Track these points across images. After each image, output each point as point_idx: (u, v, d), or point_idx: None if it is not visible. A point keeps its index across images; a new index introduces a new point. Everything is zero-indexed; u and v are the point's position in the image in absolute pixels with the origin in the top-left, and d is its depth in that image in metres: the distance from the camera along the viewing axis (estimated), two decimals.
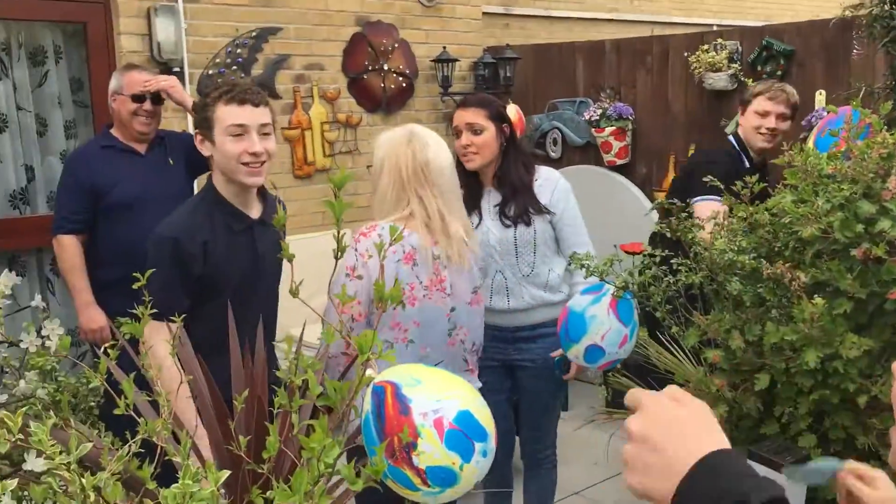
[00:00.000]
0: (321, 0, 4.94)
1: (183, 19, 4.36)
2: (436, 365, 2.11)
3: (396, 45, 5.28)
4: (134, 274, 1.39)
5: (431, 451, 1.21)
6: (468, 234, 2.31)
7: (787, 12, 8.44)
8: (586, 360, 2.41)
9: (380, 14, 5.19)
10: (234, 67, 4.61)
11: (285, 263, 1.36)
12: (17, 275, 1.52)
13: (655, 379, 2.60)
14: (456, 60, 5.38)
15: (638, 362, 2.58)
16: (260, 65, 4.72)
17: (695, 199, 2.99)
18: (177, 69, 4.39)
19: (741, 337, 2.11)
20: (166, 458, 1.25)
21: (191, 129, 4.36)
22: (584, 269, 2.29)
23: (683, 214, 2.30)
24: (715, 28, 6.59)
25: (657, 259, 2.28)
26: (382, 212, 2.24)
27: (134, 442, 1.20)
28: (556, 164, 5.20)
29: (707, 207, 3.38)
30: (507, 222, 2.75)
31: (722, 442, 0.80)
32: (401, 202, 2.22)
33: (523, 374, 2.88)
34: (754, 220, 2.23)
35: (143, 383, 1.35)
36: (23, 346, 1.28)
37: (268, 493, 1.11)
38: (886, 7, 3.44)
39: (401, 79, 5.32)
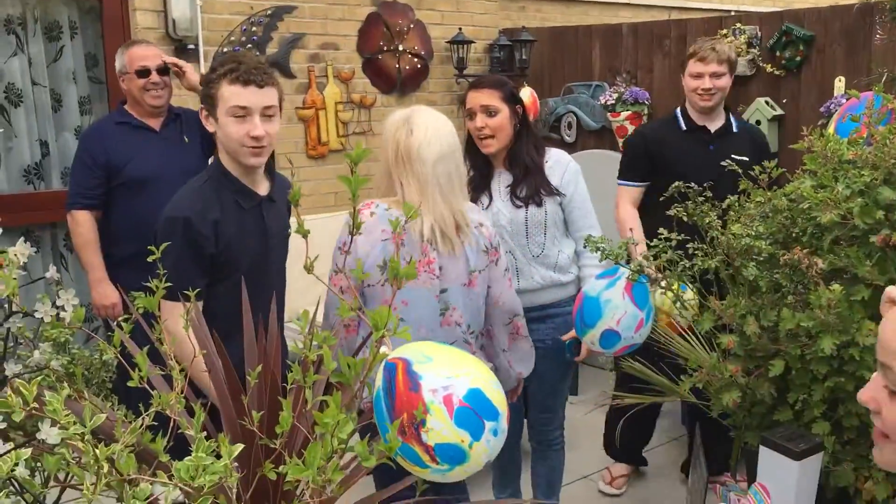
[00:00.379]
0: None
1: None
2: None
3: (412, 26, 5.25)
4: (149, 248, 1.39)
5: (440, 428, 1.21)
6: (462, 221, 2.26)
7: None
8: (602, 345, 2.40)
9: None
10: (249, 46, 4.59)
11: (300, 241, 1.36)
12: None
13: (668, 365, 2.59)
14: (471, 42, 5.34)
15: (651, 347, 2.56)
16: (274, 43, 4.70)
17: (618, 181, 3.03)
18: (191, 46, 4.38)
19: (756, 322, 2.09)
20: (179, 431, 1.25)
21: None
22: (599, 253, 2.27)
23: (700, 199, 2.28)
24: (733, 13, 6.52)
25: (673, 243, 2.26)
26: (379, 192, 2.28)
27: (147, 414, 1.20)
28: (570, 148, 5.17)
29: (621, 192, 3.41)
30: (519, 203, 2.74)
31: None
32: (391, 185, 2.24)
33: (538, 352, 2.87)
34: (772, 206, 2.21)
35: (157, 357, 1.35)
36: (37, 315, 1.28)
37: (280, 468, 1.10)
38: None
39: (416, 60, 5.29)
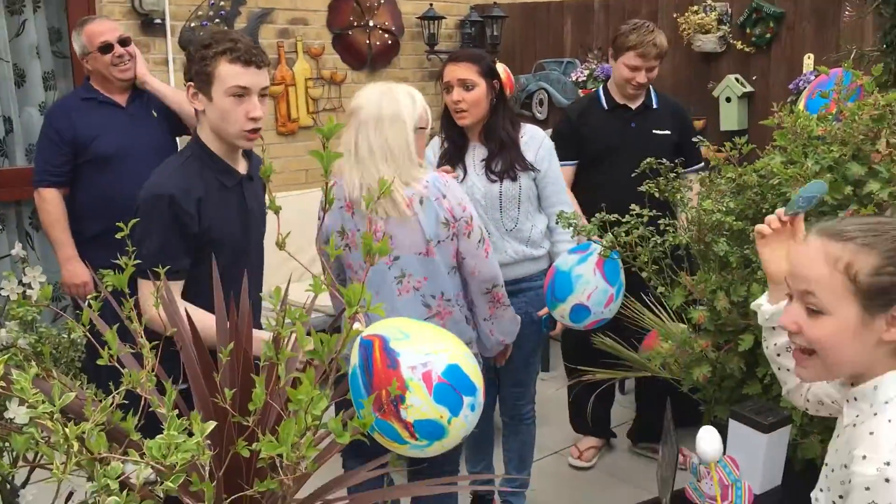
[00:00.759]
0: None
1: None
2: None
3: (382, 2, 5.19)
4: (118, 224, 1.36)
5: (420, 405, 1.21)
6: (388, 190, 2.27)
7: None
8: (572, 320, 2.42)
9: None
10: (217, 21, 4.51)
11: (272, 218, 1.34)
12: None
13: (638, 340, 2.62)
14: (442, 18, 5.30)
15: (621, 323, 2.59)
16: (243, 18, 4.63)
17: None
18: (158, 21, 4.29)
19: (726, 298, 2.12)
20: (150, 409, 1.24)
21: (173, 83, 4.28)
22: (571, 229, 2.28)
23: (672, 175, 2.29)
24: None
25: (644, 219, 2.28)
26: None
27: (118, 393, 1.18)
28: (542, 125, 5.17)
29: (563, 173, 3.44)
30: (493, 177, 2.74)
31: None
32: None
33: None
34: (742, 181, 2.22)
35: (128, 336, 1.33)
36: (3, 293, 1.25)
37: (254, 445, 1.10)
38: None
39: (386, 36, 5.24)
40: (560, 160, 2.92)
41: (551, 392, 3.93)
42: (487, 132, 2.77)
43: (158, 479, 1.10)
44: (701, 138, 2.55)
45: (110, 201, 3.11)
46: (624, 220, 2.29)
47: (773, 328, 1.54)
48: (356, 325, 1.26)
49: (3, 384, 1.01)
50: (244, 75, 2.10)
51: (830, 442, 1.34)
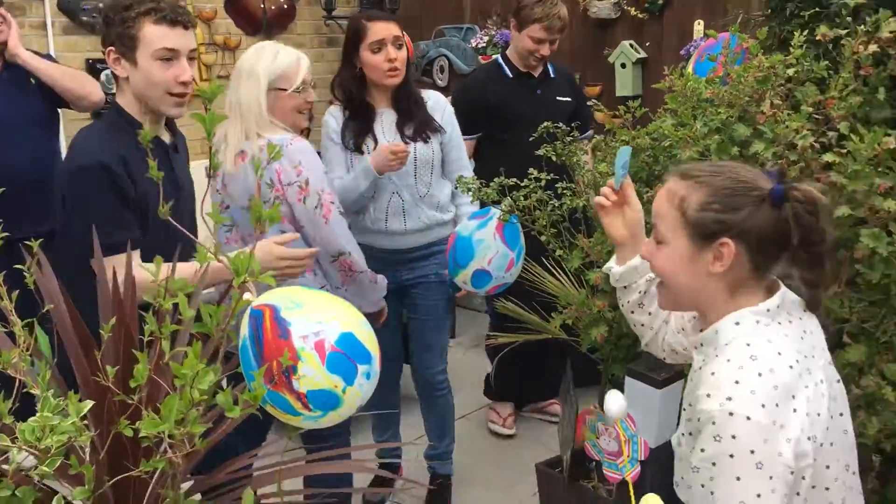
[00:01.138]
0: None
1: None
2: None
3: None
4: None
5: (312, 375, 1.18)
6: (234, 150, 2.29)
7: None
8: (473, 285, 2.42)
9: None
10: None
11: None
12: None
13: (540, 303, 2.65)
14: None
15: (523, 287, 2.61)
16: None
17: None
18: None
19: None
20: (25, 390, 1.16)
21: (52, 51, 4.04)
22: (470, 193, 2.27)
23: (569, 139, 2.31)
24: None
25: (542, 183, 2.29)
26: None
27: None
28: (443, 91, 5.12)
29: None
30: (407, 140, 2.70)
31: None
32: None
33: (417, 290, 2.87)
34: (636, 145, 2.26)
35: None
36: None
37: (137, 423, 1.04)
38: None
39: (281, 0, 5.08)
40: (462, 134, 2.91)
41: (458, 357, 3.95)
42: (399, 95, 2.72)
43: (38, 464, 1.04)
44: (597, 102, 2.58)
45: None
46: (522, 184, 2.30)
47: (625, 287, 1.64)
48: (246, 295, 1.21)
49: None
50: (171, 36, 1.97)
51: (685, 388, 1.42)
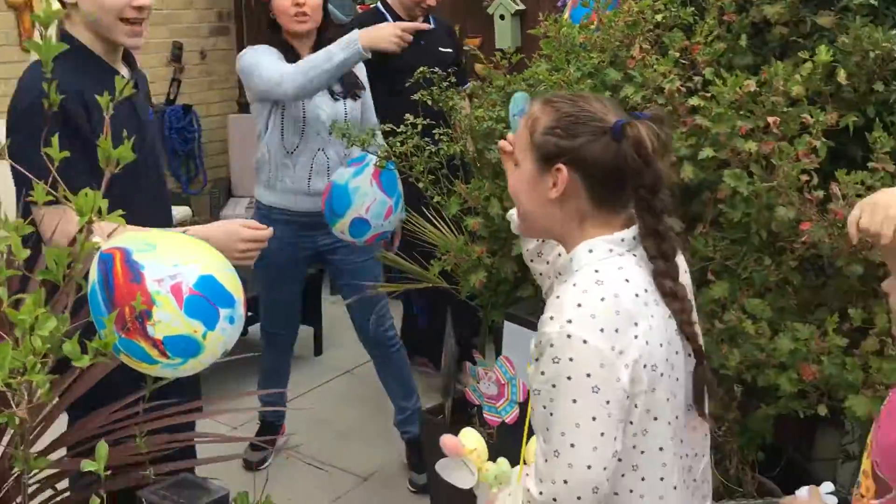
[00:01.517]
0: None
1: None
2: None
3: None
4: None
5: (169, 320, 1.11)
6: None
7: None
8: (352, 234, 2.37)
9: None
10: None
11: None
12: None
13: (421, 253, 2.63)
14: None
15: (404, 237, 2.59)
16: None
17: None
18: None
19: (500, 204, 2.16)
20: None
21: None
22: (344, 139, 2.22)
23: (445, 84, 2.28)
24: None
25: (418, 129, 2.26)
26: None
27: None
28: None
29: None
30: (337, 96, 2.61)
31: None
32: None
33: (338, 256, 2.78)
34: (511, 90, 2.26)
35: None
36: None
37: None
38: None
39: None
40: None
41: (339, 313, 3.90)
42: (320, 46, 2.59)
43: None
44: (475, 50, 2.56)
45: None
46: (399, 129, 2.26)
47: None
48: (95, 238, 1.13)
49: None
50: None
51: None
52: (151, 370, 1.16)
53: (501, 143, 1.57)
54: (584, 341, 1.17)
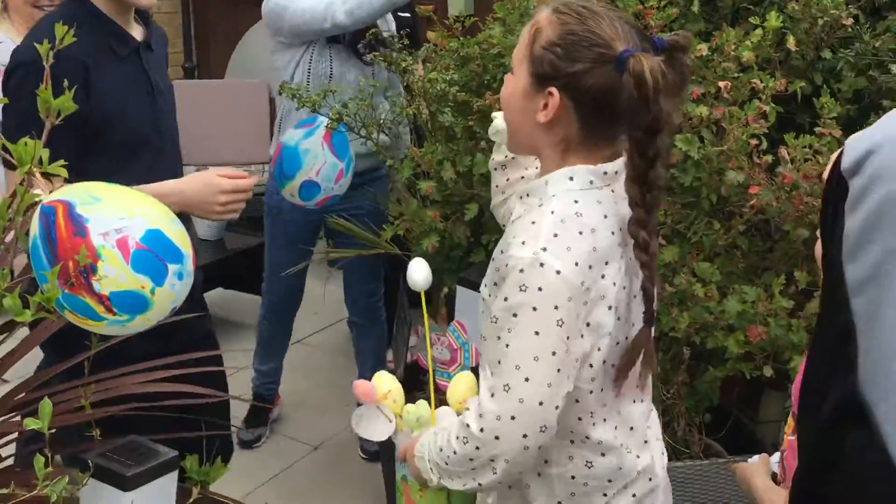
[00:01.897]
0: None
1: None
2: None
3: None
4: None
5: (116, 275, 1.07)
6: None
7: None
8: (302, 198, 2.33)
9: None
10: None
11: None
12: None
13: (371, 219, 2.61)
14: None
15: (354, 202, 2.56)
16: None
17: None
18: None
19: (453, 168, 2.15)
20: None
21: None
22: (295, 100, 2.17)
23: (399, 45, 2.25)
24: None
25: (372, 90, 2.22)
26: None
27: None
28: None
29: None
30: (366, 59, 2.53)
31: None
32: None
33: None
34: (465, 54, 2.24)
35: None
36: None
37: None
38: None
39: None
40: None
41: None
42: None
43: None
44: (430, 13, 2.53)
45: None
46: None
47: (497, 144, 1.49)
48: (35, 191, 1.09)
49: None
50: None
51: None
52: (97, 327, 1.12)
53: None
54: (558, 272, 1.11)
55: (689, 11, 2.13)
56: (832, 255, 0.78)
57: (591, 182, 1.19)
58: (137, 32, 1.80)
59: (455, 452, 1.18)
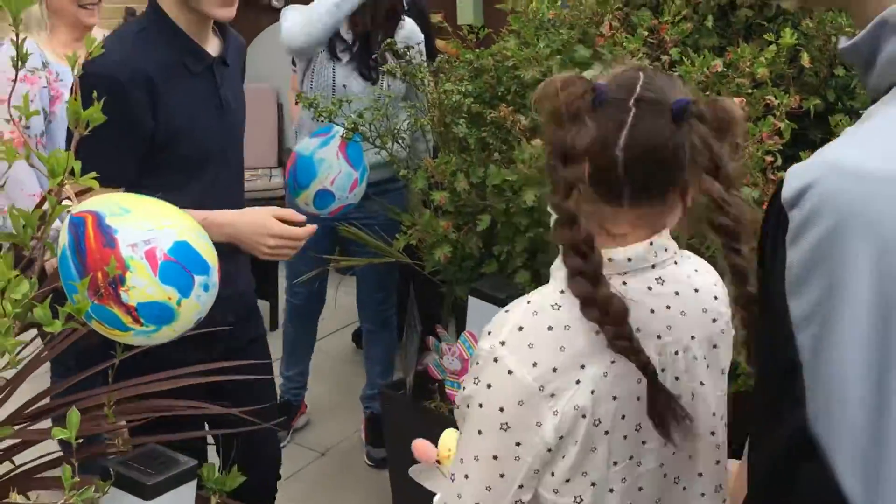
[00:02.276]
0: None
1: None
2: None
3: None
4: None
5: (144, 286, 1.09)
6: None
7: None
8: (316, 206, 2.34)
9: None
10: None
11: None
12: None
13: (384, 228, 2.62)
14: None
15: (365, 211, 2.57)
16: None
17: None
18: None
19: (466, 179, 2.16)
20: None
21: None
22: (312, 109, 2.19)
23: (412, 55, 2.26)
24: None
25: (387, 101, 2.24)
26: None
27: None
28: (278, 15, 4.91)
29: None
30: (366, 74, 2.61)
31: None
32: None
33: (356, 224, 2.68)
34: (480, 65, 2.25)
35: None
36: None
37: None
38: None
39: None
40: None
41: None
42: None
43: None
44: (443, 22, 2.55)
45: None
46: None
47: None
48: (66, 201, 1.10)
49: None
50: None
51: None
52: (123, 337, 1.14)
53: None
54: (510, 371, 0.99)
55: (703, 27, 2.15)
56: (772, 286, 0.76)
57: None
58: (214, 46, 1.77)
59: None
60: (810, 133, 2.07)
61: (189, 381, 1.35)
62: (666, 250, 1.07)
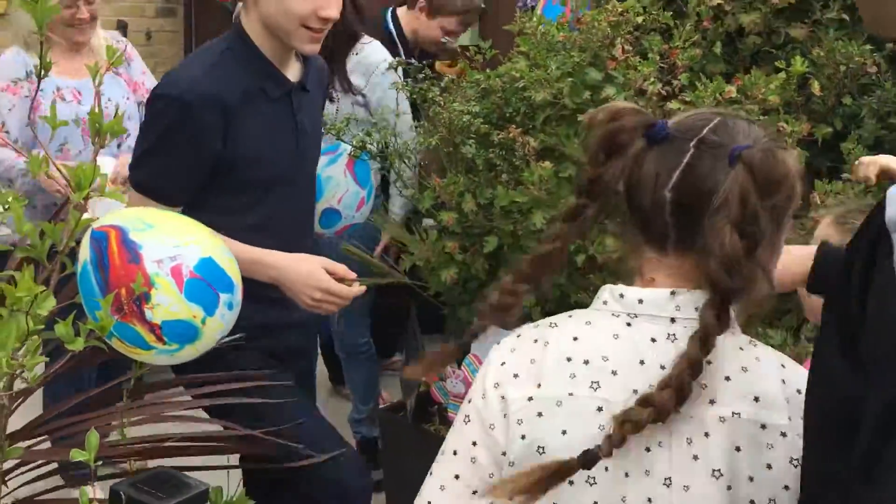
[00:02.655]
0: None
1: None
2: None
3: None
4: None
5: (169, 304, 1.05)
6: None
7: None
8: (322, 225, 2.31)
9: None
10: None
11: None
12: None
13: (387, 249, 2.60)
14: None
15: (370, 232, 2.54)
16: None
17: None
18: None
19: (473, 200, 2.14)
20: None
21: None
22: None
23: (421, 75, 2.25)
24: None
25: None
26: None
27: None
28: None
29: None
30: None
31: None
32: None
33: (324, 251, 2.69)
34: (488, 86, 2.24)
35: None
36: None
37: None
38: None
39: None
40: None
41: None
42: None
43: None
44: (452, 42, 2.54)
45: None
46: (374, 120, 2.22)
47: None
48: (87, 214, 1.06)
49: None
50: None
51: None
52: (144, 356, 1.10)
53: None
54: (490, 362, 1.01)
55: (711, 52, 2.15)
56: (868, 307, 0.73)
57: (605, 302, 1.01)
58: (294, 71, 1.75)
59: None
60: (816, 161, 2.08)
61: (206, 401, 1.31)
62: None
